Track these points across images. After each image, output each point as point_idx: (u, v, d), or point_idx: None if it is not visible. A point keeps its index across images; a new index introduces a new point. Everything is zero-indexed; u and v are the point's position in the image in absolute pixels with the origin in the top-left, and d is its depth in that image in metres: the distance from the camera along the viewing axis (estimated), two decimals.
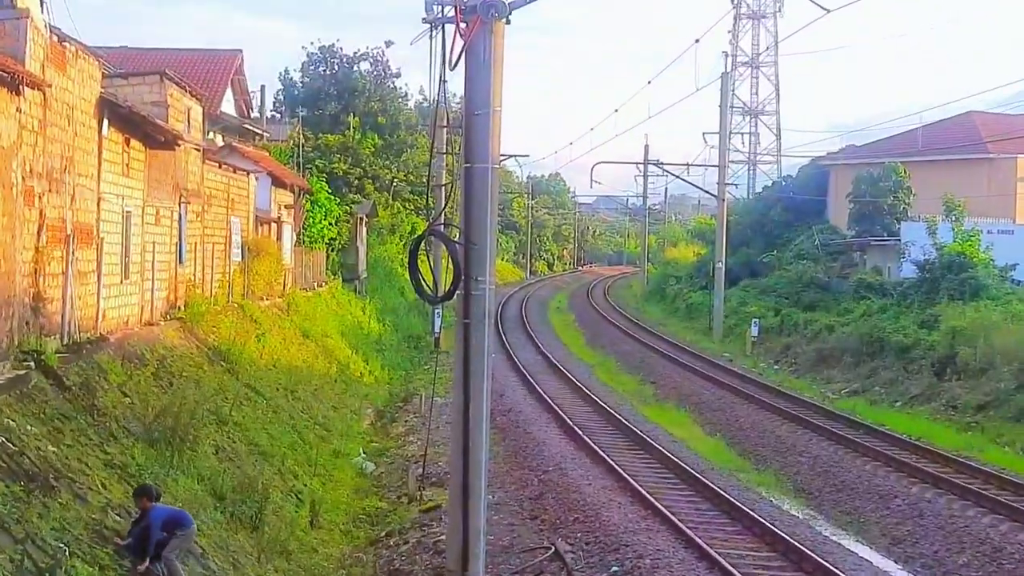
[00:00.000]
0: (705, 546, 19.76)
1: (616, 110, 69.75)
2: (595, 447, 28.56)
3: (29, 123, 19.72)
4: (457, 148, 16.73)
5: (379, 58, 75.46)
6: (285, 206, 47.99)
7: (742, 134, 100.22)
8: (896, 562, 21.73)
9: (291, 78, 75.38)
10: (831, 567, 18.91)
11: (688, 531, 20.70)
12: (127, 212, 26.18)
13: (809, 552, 19.65)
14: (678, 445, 30.53)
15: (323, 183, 57.02)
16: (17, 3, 20.69)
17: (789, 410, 35.74)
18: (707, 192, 70.13)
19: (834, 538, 22.67)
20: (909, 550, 22.22)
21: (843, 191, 64.52)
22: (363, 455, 29.46)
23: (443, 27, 15.59)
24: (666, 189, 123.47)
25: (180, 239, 31.53)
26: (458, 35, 15.34)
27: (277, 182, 46.28)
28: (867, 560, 21.12)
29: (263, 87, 62.83)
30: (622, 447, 29.66)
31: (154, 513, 15.11)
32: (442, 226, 17.97)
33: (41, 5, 23.28)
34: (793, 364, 48.59)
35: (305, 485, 24.08)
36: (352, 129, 68.95)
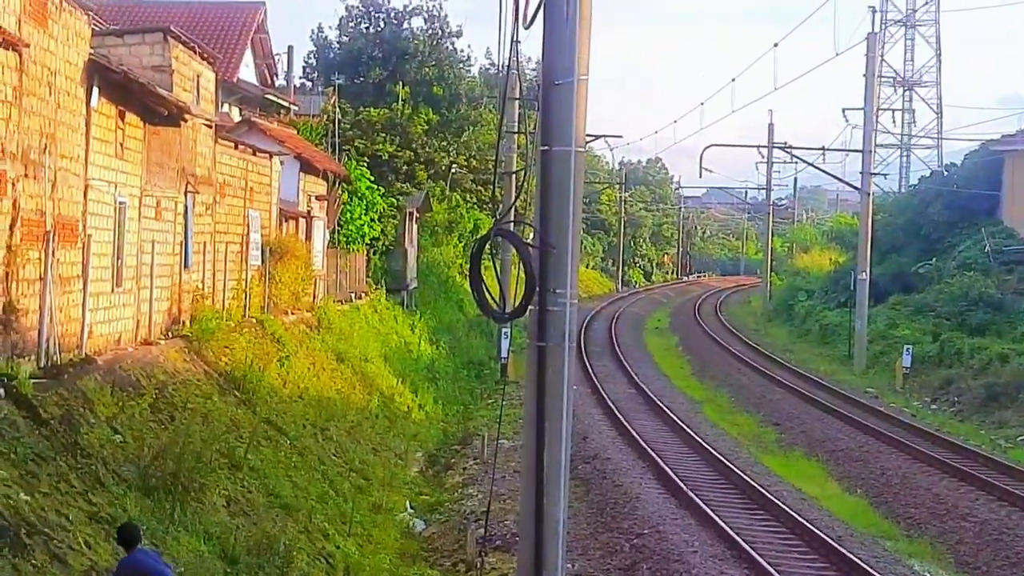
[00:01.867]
0: None
1: (733, 80, 69.80)
2: (702, 505, 28.32)
3: (1, 91, 19.90)
4: (533, 127, 16.72)
5: (435, 13, 76.00)
6: (317, 197, 48.25)
7: (893, 111, 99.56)
8: None
9: (326, 37, 76.05)
10: None
11: None
12: (121, 203, 26.38)
13: None
14: (808, 504, 30.25)
15: (364, 169, 57.30)
16: None
17: (950, 461, 35.28)
18: (848, 184, 69.69)
19: None
20: None
21: (1023, 184, 63.89)
22: (410, 510, 29.44)
23: None
24: (795, 180, 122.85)
25: (186, 237, 31.75)
26: None
27: (307, 167, 46.55)
28: None
29: (291, 48, 63.58)
30: (737, 506, 29.42)
31: (132, 557, 14.91)
32: (512, 225, 17.96)
33: None
34: (956, 403, 48.02)
35: (337, 547, 24.07)
36: (401, 102, 69.21)
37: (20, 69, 20.55)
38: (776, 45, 62.64)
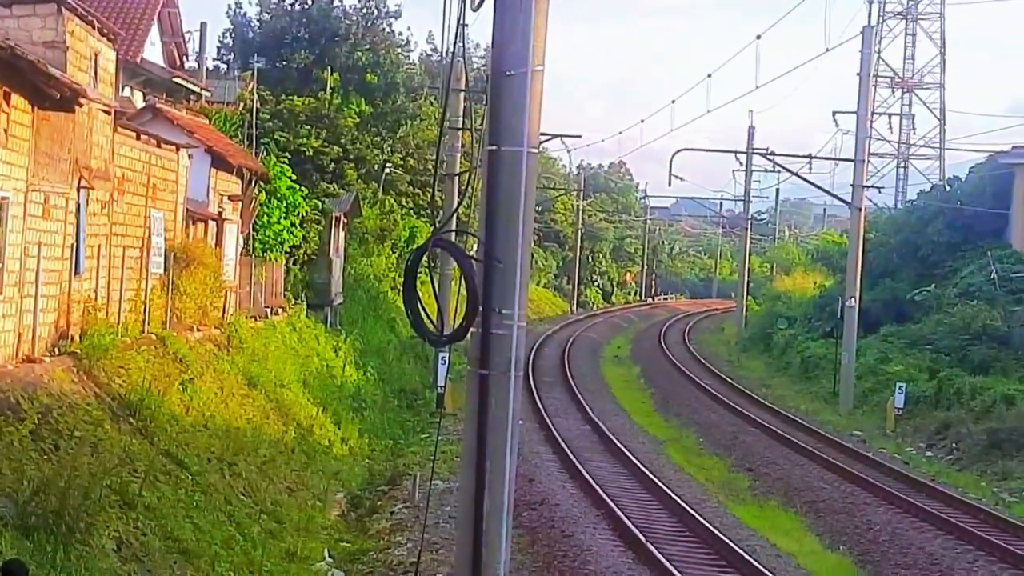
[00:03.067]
0: None
1: (709, 75, 69.80)
2: (664, 561, 28.41)
3: None
4: (480, 123, 16.75)
5: None
6: (230, 197, 48.15)
7: (890, 115, 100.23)
8: None
9: (244, 14, 76.15)
10: None
11: None
12: (2, 198, 26.26)
13: None
14: (784, 562, 30.38)
15: (285, 166, 57.22)
16: None
17: (947, 516, 35.49)
18: (837, 198, 69.98)
19: None
20: None
21: None
22: (329, 559, 29.39)
23: None
24: (777, 191, 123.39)
25: (78, 240, 31.60)
26: None
27: (219, 163, 46.46)
28: None
29: (204, 26, 63.63)
30: (703, 562, 29.54)
31: None
32: (453, 234, 18.01)
33: None
34: (954, 450, 48.30)
35: None
36: (329, 90, 69.19)
37: None
38: (759, 38, 62.83)
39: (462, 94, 54.18)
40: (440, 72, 66.58)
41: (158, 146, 38.99)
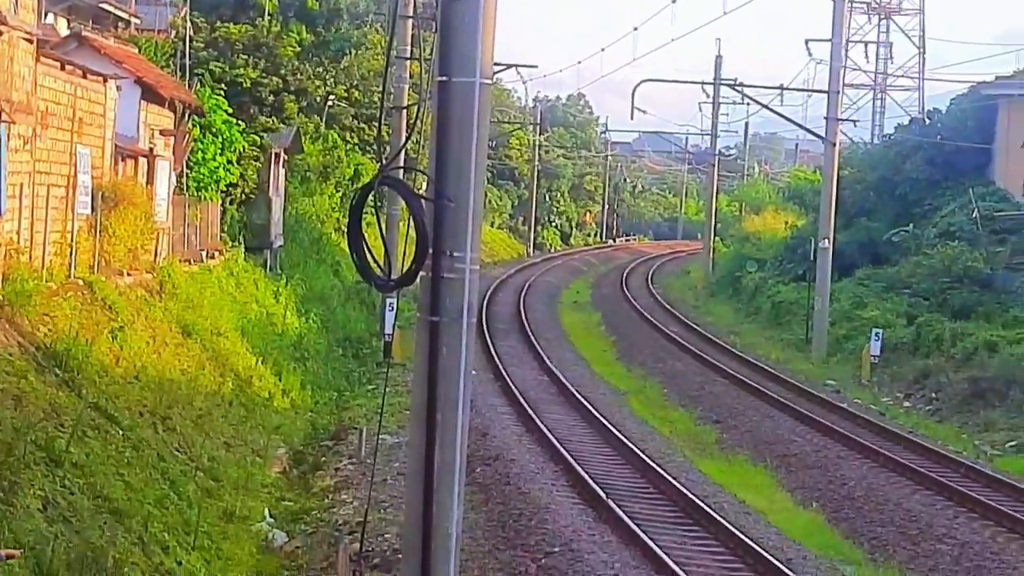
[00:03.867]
0: None
1: (673, 1, 69.73)
2: (626, 519, 28.53)
3: None
4: (429, 52, 16.72)
5: None
6: (161, 132, 47.92)
7: (867, 43, 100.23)
8: None
9: None
10: None
11: None
12: None
13: None
14: (753, 519, 30.54)
15: (221, 99, 56.88)
16: None
17: (925, 471, 35.70)
18: (810, 131, 70.20)
19: None
20: None
21: (1019, 136, 64.55)
22: (270, 519, 29.42)
23: None
24: (747, 125, 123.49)
25: None
26: None
27: (150, 95, 46.23)
28: None
29: None
30: (667, 519, 29.68)
31: None
32: (402, 172, 18.00)
33: None
34: (933, 400, 48.59)
35: (179, 562, 24.04)
36: (268, 16, 68.80)
37: None
38: None
39: (410, 21, 54.07)
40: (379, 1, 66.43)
41: (84, 77, 38.76)
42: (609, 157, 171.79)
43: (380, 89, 75.52)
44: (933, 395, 49.12)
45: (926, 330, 54.65)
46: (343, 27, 74.34)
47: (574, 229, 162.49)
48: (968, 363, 49.79)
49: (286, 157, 65.38)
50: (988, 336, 50.64)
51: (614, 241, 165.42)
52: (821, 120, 63.42)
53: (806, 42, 71.44)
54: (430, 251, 15.65)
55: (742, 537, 27.67)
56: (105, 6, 53.13)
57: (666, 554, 25.92)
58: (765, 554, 26.43)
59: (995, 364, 47.97)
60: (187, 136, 51.25)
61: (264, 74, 66.71)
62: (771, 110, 75.54)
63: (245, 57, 66.08)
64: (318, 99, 72.37)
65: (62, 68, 36.93)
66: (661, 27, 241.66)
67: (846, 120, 69.99)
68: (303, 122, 69.59)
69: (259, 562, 26.73)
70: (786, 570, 25.39)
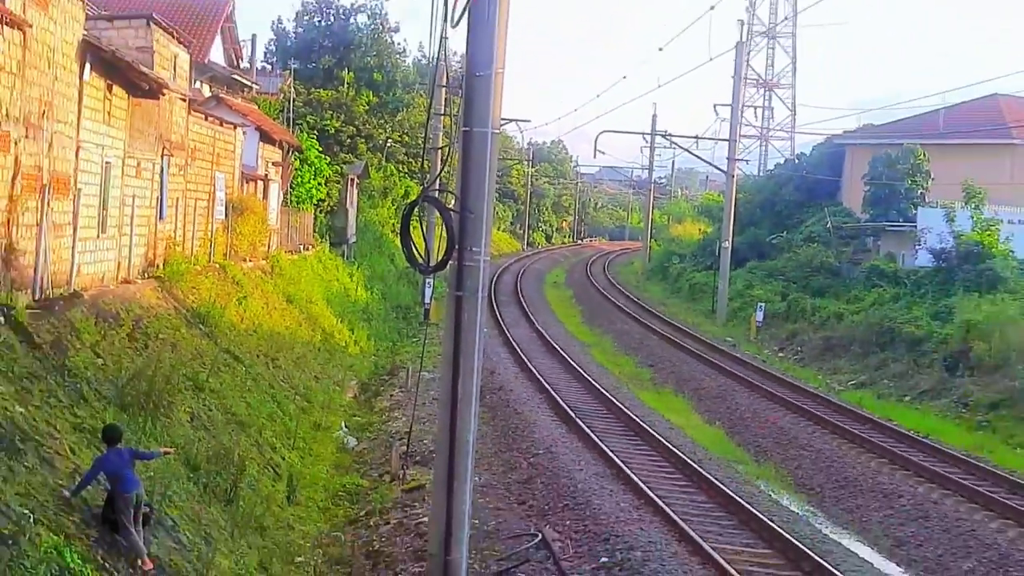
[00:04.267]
0: (700, 540, 19.80)
1: (624, 77, 71.06)
2: (588, 431, 28.60)
3: (7, 64, 19.58)
4: (456, 110, 16.61)
5: (377, 11, 75.15)
6: (273, 163, 47.88)
7: (755, 107, 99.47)
8: (898, 565, 21.84)
9: (284, 28, 75.03)
10: (830, 567, 18.95)
11: (682, 524, 20.73)
12: (107, 163, 26.08)
13: (808, 551, 19.70)
14: (675, 432, 30.59)
15: (313, 141, 56.89)
16: None
17: (793, 400, 35.77)
18: (716, 167, 69.85)
19: (834, 536, 22.77)
20: (912, 552, 22.32)
21: (859, 172, 64.47)
22: (345, 429, 29.47)
23: None
24: (673, 162, 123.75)
25: (161, 193, 31.43)
26: None
27: (265, 137, 46.16)
28: (868, 561, 21.21)
29: (254, 36, 62.98)
30: (616, 432, 29.70)
31: (105, 456, 14.95)
32: (437, 192, 17.83)
33: None
34: (799, 352, 48.62)
35: (283, 458, 24.09)
36: (346, 85, 68.63)
37: (24, 45, 20.24)
38: (661, 49, 63.10)
39: (444, 89, 53.90)
40: (428, 72, 66.12)
41: (220, 125, 38.68)
42: (578, 184, 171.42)
43: (423, 136, 75.35)
44: (799, 348, 49.11)
45: (794, 304, 54.66)
46: (398, 92, 74.07)
47: (554, 232, 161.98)
48: (823, 327, 49.84)
49: (358, 181, 65.35)
50: (836, 309, 50.65)
51: (581, 241, 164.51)
52: (724, 160, 63.24)
53: (714, 106, 70.88)
54: (456, 247, 15.64)
55: (668, 444, 27.74)
56: (235, 76, 52.87)
57: (615, 455, 25.98)
58: (683, 456, 26.51)
59: (841, 328, 48.02)
60: (290, 166, 51.25)
61: (343, 124, 66.59)
62: (690, 152, 75.58)
63: (331, 112, 65.96)
64: (380, 141, 72.22)
65: (205, 119, 36.88)
66: (617, 93, 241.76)
67: (740, 160, 69.85)
68: (370, 157, 69.45)
69: (337, 459, 26.76)
70: (698, 468, 25.44)
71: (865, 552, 22.10)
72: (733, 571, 18.34)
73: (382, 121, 72.09)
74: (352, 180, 63.21)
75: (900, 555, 22.29)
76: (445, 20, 15.53)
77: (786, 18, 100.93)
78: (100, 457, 15.19)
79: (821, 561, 19.15)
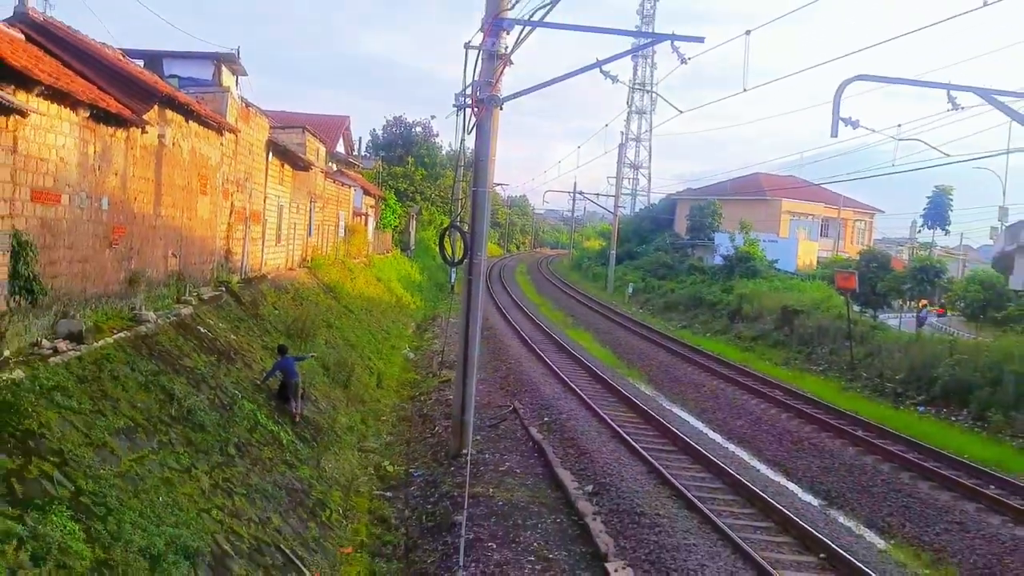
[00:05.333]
0: (596, 407, 19.94)
1: (559, 162, 70.83)
2: (539, 351, 28.65)
3: (228, 151, 19.56)
4: (469, 179, 16.62)
5: (427, 125, 74.62)
6: (370, 206, 47.65)
7: (629, 178, 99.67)
8: (702, 422, 21.91)
9: (376, 133, 74.56)
10: (665, 422, 19.11)
11: (589, 401, 20.85)
12: (280, 205, 26.01)
13: (654, 414, 19.84)
14: (584, 351, 30.64)
15: (392, 194, 56.66)
16: (223, 84, 20.47)
17: (647, 335, 35.82)
18: (608, 210, 69.86)
19: (668, 407, 22.87)
20: (709, 416, 22.40)
21: (683, 213, 64.67)
22: (408, 349, 29.48)
23: (464, 110, 15.51)
24: (584, 207, 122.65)
25: (310, 222, 31.34)
26: (472, 115, 15.27)
27: (366, 192, 45.97)
28: (687, 420, 21.34)
29: (360, 138, 62.23)
30: (552, 351, 29.74)
31: (280, 361, 15.07)
32: (459, 222, 17.85)
33: (236, 84, 23.00)
34: (651, 309, 48.64)
35: (374, 364, 24.14)
36: (409, 164, 68.37)
37: (236, 141, 20.21)
38: (579, 147, 63.27)
39: (461, 167, 53.77)
40: (454, 158, 65.82)
41: (341, 186, 38.52)
42: (534, 219, 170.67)
43: (451, 192, 75.18)
44: (651, 307, 48.98)
45: (649, 284, 54.65)
46: (438, 168, 73.72)
47: (521, 245, 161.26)
48: (663, 296, 49.81)
49: (416, 217, 65.04)
50: (672, 287, 50.69)
51: (535, 249, 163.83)
52: (612, 206, 63.09)
53: (607, 177, 71.27)
54: (469, 251, 15.69)
55: (580, 358, 27.74)
56: (350, 160, 52.54)
57: (552, 364, 25.92)
58: (589, 365, 26.46)
59: (673, 297, 48.06)
60: (380, 208, 50.91)
61: (408, 185, 66.28)
62: (594, 202, 75.17)
63: (401, 179, 65.67)
64: (429, 195, 71.86)
65: (334, 182, 36.65)
66: (557, 169, 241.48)
67: (621, 206, 69.81)
68: (422, 203, 69.09)
69: (403, 364, 26.76)
70: (596, 371, 25.49)
71: (684, 415, 22.21)
72: (615, 424, 18.52)
73: (429, 184, 71.72)
74: (412, 215, 62.93)
75: (704, 417, 22.31)
76: (463, 130, 15.58)
77: (646, 131, 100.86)
78: (277, 361, 15.22)
79: (660, 419, 19.32)
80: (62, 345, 10.73)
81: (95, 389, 10.11)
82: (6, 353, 9.85)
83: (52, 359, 10.11)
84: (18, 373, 9.18)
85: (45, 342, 10.72)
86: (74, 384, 9.83)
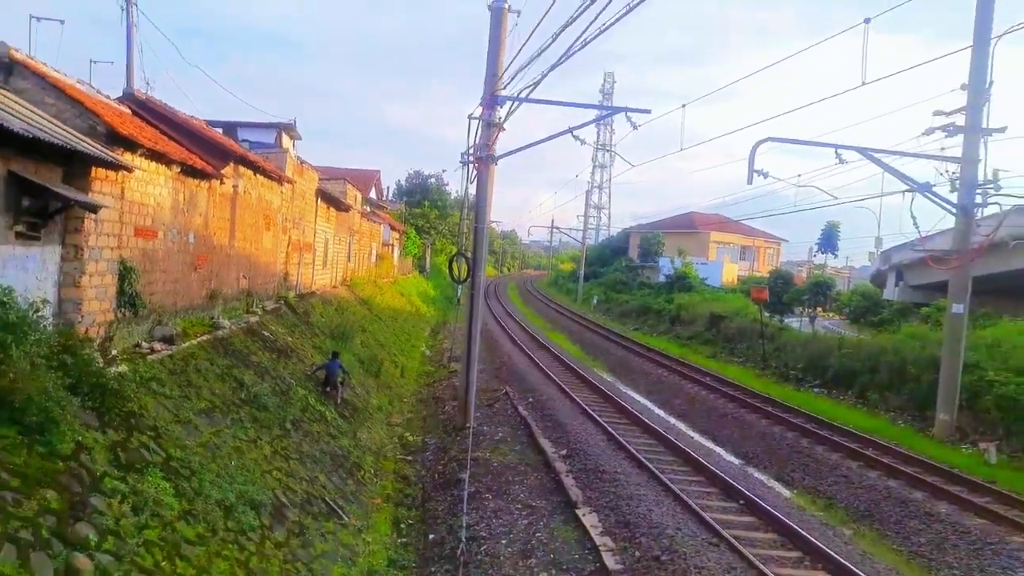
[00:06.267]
0: (572, 393, 19.84)
1: (541, 203, 69.83)
2: (526, 350, 28.53)
3: (286, 197, 19.53)
4: (472, 217, 16.67)
5: (439, 176, 74.45)
6: (395, 238, 47.56)
7: (594, 216, 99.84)
8: (650, 401, 21.71)
9: (400, 183, 74.50)
10: (621, 401, 19.03)
11: (565, 387, 20.73)
12: (326, 238, 25.94)
13: (613, 396, 19.78)
14: (560, 349, 30.50)
15: (412, 230, 56.58)
16: (283, 146, 20.50)
17: (608, 336, 35.61)
18: (577, 241, 70.00)
19: (623, 388, 22.75)
20: (656, 397, 22.17)
21: (636, 243, 64.68)
22: (424, 348, 29.34)
23: (468, 165, 15.57)
24: (560, 238, 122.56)
25: (349, 251, 31.25)
26: (474, 169, 15.33)
27: (392, 228, 45.89)
28: (638, 400, 21.25)
29: (388, 186, 62.12)
30: (535, 348, 29.60)
31: (327, 362, 15.01)
32: (464, 250, 17.88)
33: (293, 146, 23.02)
34: (611, 315, 48.47)
35: (399, 359, 24.01)
36: (426, 207, 68.37)
37: (292, 190, 20.18)
38: (555, 192, 63.33)
39: (466, 208, 53.91)
40: (460, 201, 66.01)
41: (374, 223, 38.39)
42: (521, 247, 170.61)
43: (458, 228, 75.31)
44: (612, 315, 48.72)
45: (610, 297, 54.48)
46: (448, 210, 73.74)
47: (511, 267, 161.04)
48: (620, 306, 49.51)
49: (431, 246, 64.93)
50: (627, 299, 50.48)
51: (523, 271, 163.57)
52: (580, 237, 63.07)
53: (577, 216, 71.59)
54: (470, 273, 15.66)
55: (558, 355, 27.64)
56: (381, 203, 52.57)
57: (537, 359, 25.80)
58: (565, 360, 26.37)
59: (628, 307, 47.79)
60: (403, 239, 50.77)
61: (424, 223, 66.25)
62: (568, 235, 75.42)
63: (420, 218, 65.60)
64: (441, 230, 71.82)
65: (367, 220, 36.52)
66: (537, 212, 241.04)
67: (588, 238, 69.87)
68: (437, 237, 68.96)
69: (422, 359, 26.60)
70: (570, 364, 25.39)
71: (635, 392, 22.11)
72: (583, 404, 18.47)
73: (440, 221, 71.70)
74: (428, 245, 62.81)
75: (651, 397, 22.09)
76: (466, 180, 15.67)
77: (608, 179, 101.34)
78: (324, 363, 15.14)
79: (618, 400, 19.26)
80: (157, 346, 10.76)
81: (182, 379, 10.13)
82: (114, 352, 9.86)
83: (149, 357, 10.15)
84: (123, 367, 9.21)
85: (144, 344, 10.75)
86: (166, 376, 9.84)
